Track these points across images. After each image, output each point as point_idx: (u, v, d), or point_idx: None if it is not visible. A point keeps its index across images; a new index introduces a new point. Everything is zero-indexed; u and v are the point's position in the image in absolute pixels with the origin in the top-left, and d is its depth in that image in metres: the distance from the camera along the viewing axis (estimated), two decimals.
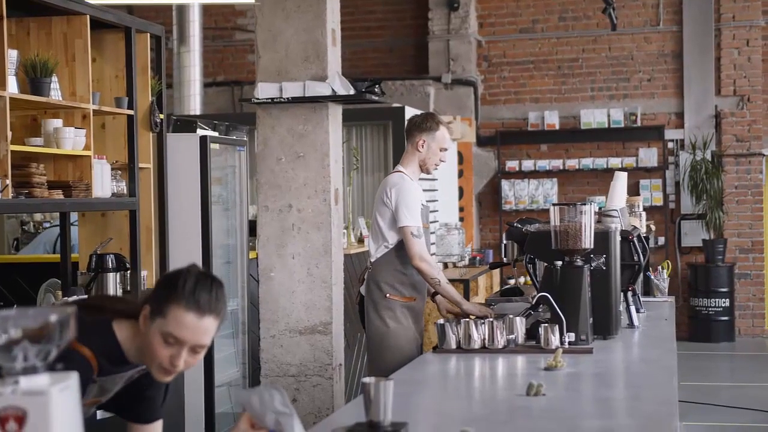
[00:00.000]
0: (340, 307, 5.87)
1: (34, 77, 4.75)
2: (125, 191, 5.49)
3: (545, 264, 4.53)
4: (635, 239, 5.01)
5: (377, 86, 5.99)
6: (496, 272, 11.25)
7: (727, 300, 12.11)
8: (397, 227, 5.08)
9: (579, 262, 4.37)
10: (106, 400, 2.78)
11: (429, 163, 5.24)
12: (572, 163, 12.65)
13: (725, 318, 12.12)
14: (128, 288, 5.51)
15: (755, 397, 8.99)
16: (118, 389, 2.76)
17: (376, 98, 5.99)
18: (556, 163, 12.69)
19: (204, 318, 2.54)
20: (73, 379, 1.79)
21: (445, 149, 5.28)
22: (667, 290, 6.40)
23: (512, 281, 11.50)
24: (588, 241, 4.36)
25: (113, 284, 5.34)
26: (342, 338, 5.94)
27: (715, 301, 12.09)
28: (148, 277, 5.77)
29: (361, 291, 5.35)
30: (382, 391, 2.71)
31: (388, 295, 5.15)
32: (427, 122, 5.25)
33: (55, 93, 4.88)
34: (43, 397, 1.71)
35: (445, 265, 10.14)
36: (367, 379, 2.72)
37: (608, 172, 12.35)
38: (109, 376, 2.67)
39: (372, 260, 5.22)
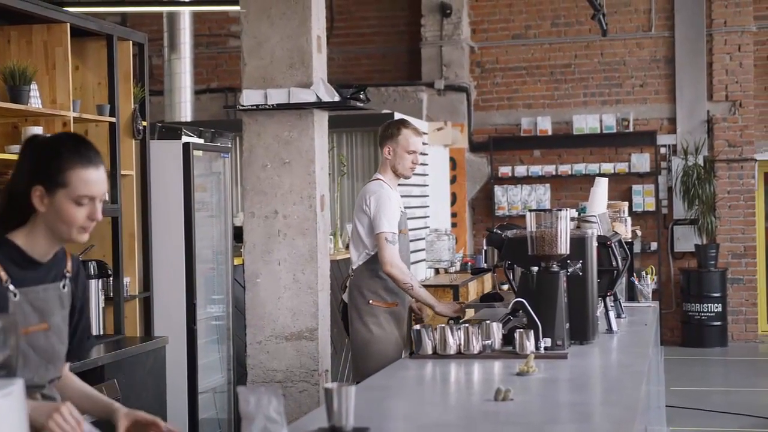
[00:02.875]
0: (327, 313, 5.89)
1: (12, 85, 4.78)
2: (107, 198, 5.51)
3: (522, 269, 4.55)
4: (614, 245, 5.02)
5: (362, 93, 6.01)
6: (488, 278, 11.27)
7: (720, 305, 12.11)
8: (374, 233, 5.17)
9: (555, 268, 4.38)
10: (54, 333, 2.72)
11: (400, 168, 5.35)
12: (565, 169, 12.67)
13: (718, 323, 12.13)
14: (111, 295, 5.52)
15: (747, 402, 9.00)
16: (57, 318, 2.73)
17: (361, 105, 6.01)
18: (549, 169, 12.71)
19: (99, 169, 2.69)
20: (17, 385, 1.80)
21: (413, 152, 5.37)
22: (650, 296, 6.40)
23: (505, 287, 11.49)
24: (564, 247, 4.37)
25: (95, 291, 5.35)
26: (328, 344, 5.95)
27: (708, 306, 12.09)
28: (131, 283, 5.78)
29: (343, 298, 5.41)
30: (344, 396, 2.73)
31: (371, 301, 5.25)
32: (388, 129, 5.40)
33: (35, 100, 4.90)
34: None
35: (436, 271, 10.16)
36: (328, 385, 2.74)
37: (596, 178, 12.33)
38: (30, 287, 2.67)
39: (353, 267, 5.32)
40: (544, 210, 4.43)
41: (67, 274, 2.80)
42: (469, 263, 10.89)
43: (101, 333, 5.31)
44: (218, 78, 13.59)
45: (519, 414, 3.12)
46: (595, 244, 4.66)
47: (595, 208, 5.39)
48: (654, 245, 12.44)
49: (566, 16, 12.87)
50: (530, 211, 4.43)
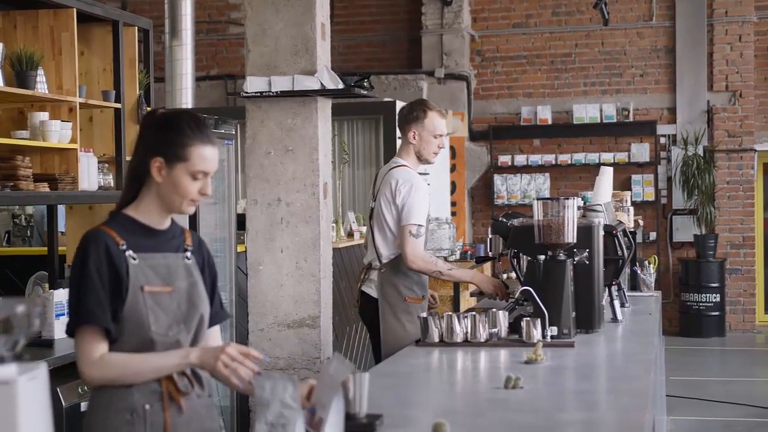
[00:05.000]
0: (329, 301, 5.89)
1: (20, 70, 4.76)
2: (112, 184, 5.50)
3: (528, 258, 4.55)
4: (619, 234, 5.02)
5: (366, 80, 6.00)
6: (487, 266, 11.28)
7: (718, 295, 12.14)
8: (400, 225, 4.96)
9: (562, 257, 4.38)
10: (178, 295, 2.84)
11: (425, 153, 5.14)
12: (564, 158, 12.67)
13: (716, 313, 12.16)
14: None
15: (744, 392, 9.03)
16: (183, 284, 2.85)
17: (365, 92, 6.00)
18: (549, 158, 12.71)
19: (215, 148, 2.85)
20: (41, 369, 1.80)
21: (439, 135, 5.14)
22: (653, 285, 6.41)
23: (505, 276, 11.50)
24: (571, 236, 4.37)
25: None
26: (330, 332, 5.95)
27: (706, 296, 12.12)
28: None
29: (365, 291, 5.18)
30: (358, 383, 2.73)
31: (407, 298, 5.04)
32: (413, 112, 5.14)
33: (42, 86, 4.89)
34: (10, 387, 1.73)
35: None
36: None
37: (600, 168, 12.34)
38: (149, 253, 2.81)
39: (383, 261, 5.08)
40: (552, 199, 4.42)
41: (189, 248, 2.92)
42: (469, 252, 10.90)
43: None
44: (218, 65, 13.56)
45: (530, 402, 3.13)
46: (601, 233, 4.66)
47: (600, 198, 5.39)
48: (653, 235, 12.45)
49: (567, 5, 12.86)
50: (537, 199, 4.42)
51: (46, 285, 5.37)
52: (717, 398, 8.72)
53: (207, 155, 2.80)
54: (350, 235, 8.12)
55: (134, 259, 2.77)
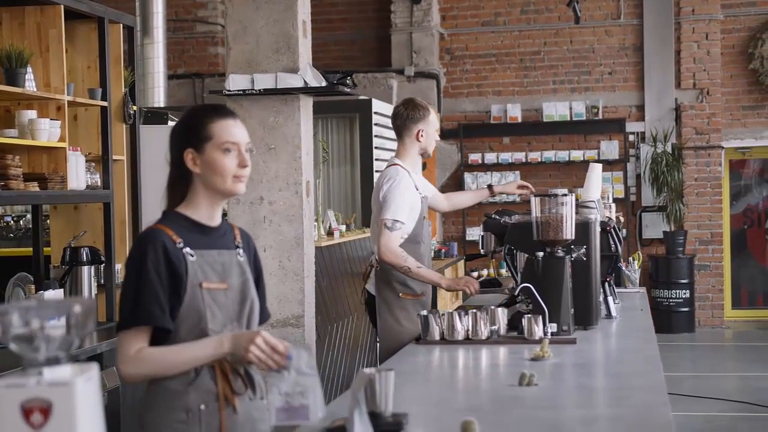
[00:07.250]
0: (312, 300, 5.87)
1: (9, 68, 4.68)
2: (99, 183, 5.43)
3: (526, 255, 4.54)
4: (612, 230, 5.05)
5: (349, 78, 5.98)
6: (461, 264, 11.31)
7: (687, 291, 12.24)
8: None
9: (560, 253, 4.38)
10: (234, 294, 2.83)
11: (429, 148, 5.23)
12: (534, 156, 12.71)
13: (685, 309, 12.26)
14: (102, 281, 5.45)
15: (715, 387, 9.12)
16: (236, 281, 2.83)
17: (348, 90, 5.99)
18: (519, 156, 12.75)
19: (236, 119, 2.86)
20: (94, 370, 1.77)
21: (437, 130, 5.27)
22: (638, 281, 6.44)
23: (475, 273, 11.53)
24: (569, 232, 4.37)
25: (87, 277, 5.27)
26: (314, 331, 5.94)
27: (676, 293, 12.21)
28: (122, 270, 5.70)
29: (368, 289, 5.19)
30: (384, 381, 2.71)
31: (401, 294, 5.06)
32: (418, 111, 5.17)
33: (30, 84, 4.81)
34: (67, 388, 1.69)
35: None
36: (368, 370, 2.72)
37: (570, 165, 12.45)
38: (205, 250, 2.80)
39: (378, 258, 5.07)
40: (549, 195, 4.42)
41: (239, 244, 2.91)
42: (443, 250, 10.92)
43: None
44: (185, 63, 13.45)
45: (549, 398, 3.12)
46: (598, 229, 4.67)
47: (591, 194, 5.41)
48: (623, 232, 12.51)
49: (536, 3, 12.90)
50: (535, 196, 4.42)
51: (32, 287, 5.28)
52: (689, 393, 8.78)
53: (229, 127, 2.80)
54: (330, 233, 8.08)
55: (192, 255, 2.77)
